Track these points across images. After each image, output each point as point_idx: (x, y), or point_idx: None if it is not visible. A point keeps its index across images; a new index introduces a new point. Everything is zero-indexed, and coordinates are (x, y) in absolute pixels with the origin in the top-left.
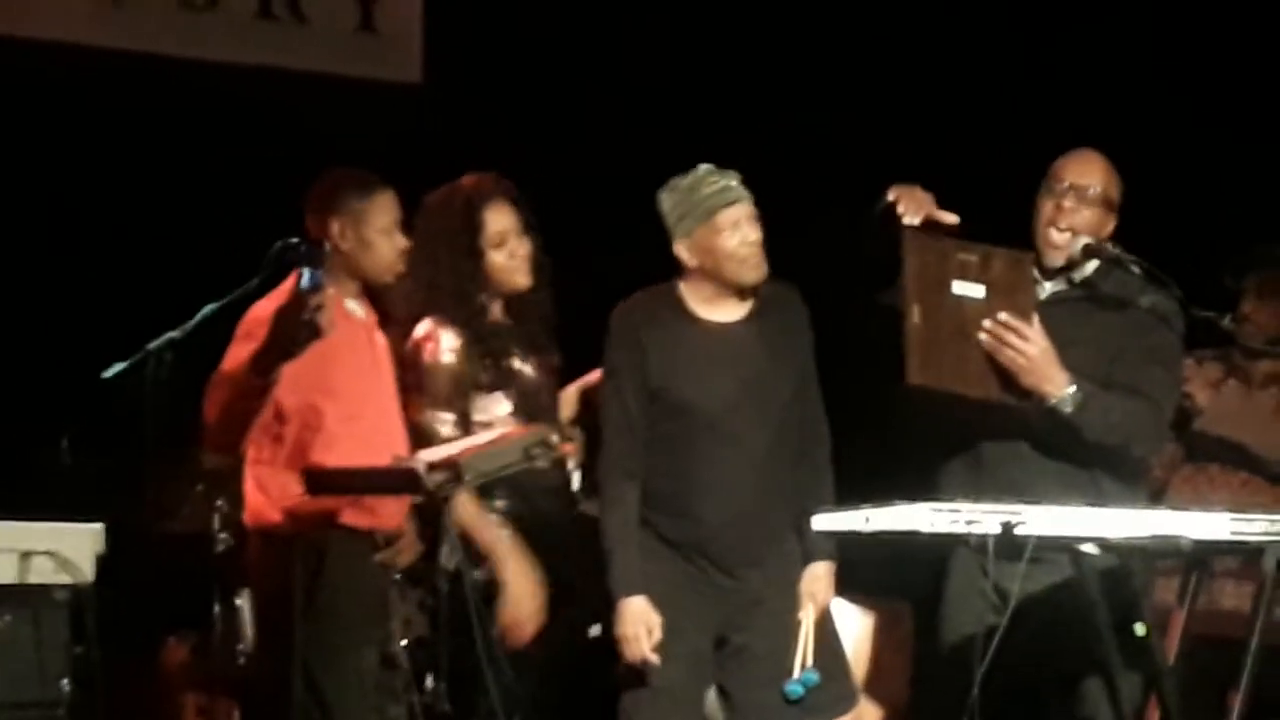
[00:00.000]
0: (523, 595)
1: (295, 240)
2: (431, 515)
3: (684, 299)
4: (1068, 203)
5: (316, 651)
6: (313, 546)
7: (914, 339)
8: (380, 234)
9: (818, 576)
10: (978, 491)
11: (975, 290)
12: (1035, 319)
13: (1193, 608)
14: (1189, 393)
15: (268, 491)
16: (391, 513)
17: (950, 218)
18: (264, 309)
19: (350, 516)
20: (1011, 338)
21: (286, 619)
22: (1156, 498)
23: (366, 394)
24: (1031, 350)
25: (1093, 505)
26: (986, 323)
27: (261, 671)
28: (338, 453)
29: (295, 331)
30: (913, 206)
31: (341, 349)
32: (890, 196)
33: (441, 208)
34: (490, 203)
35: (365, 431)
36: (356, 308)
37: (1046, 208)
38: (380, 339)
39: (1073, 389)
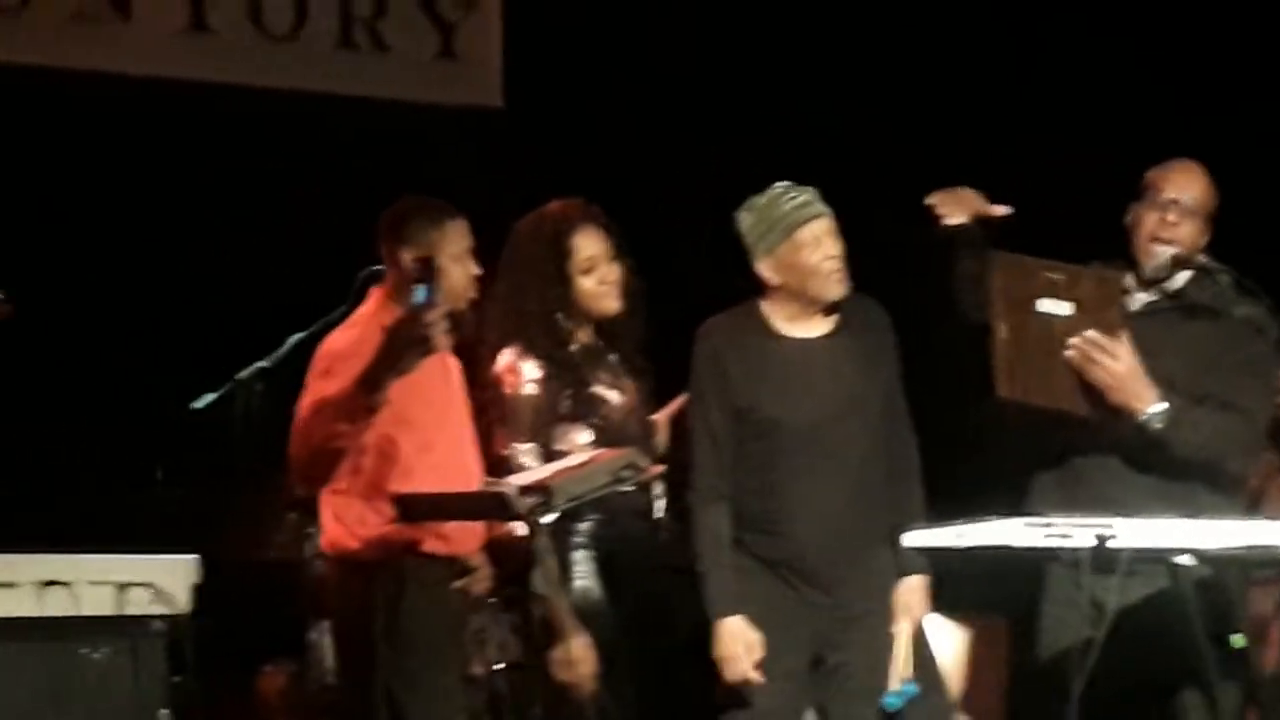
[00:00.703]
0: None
1: (379, 268)
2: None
3: (767, 317)
4: (1171, 216)
5: (400, 676)
6: (394, 574)
7: (1001, 354)
8: (453, 261)
9: (912, 589)
10: (1072, 506)
11: (1062, 308)
12: (1124, 336)
13: None
14: None
15: (345, 521)
16: (467, 540)
17: (1000, 210)
18: (338, 341)
19: (429, 544)
20: (1099, 354)
21: (368, 645)
22: (1252, 507)
23: (440, 422)
24: (1119, 367)
25: (1188, 517)
26: (1074, 339)
27: (345, 698)
28: (413, 482)
29: (408, 347)
30: (951, 207)
31: (417, 378)
32: (928, 201)
33: (530, 234)
34: (579, 228)
35: (439, 460)
36: None
37: (1150, 220)
38: (453, 364)
39: (1162, 405)
